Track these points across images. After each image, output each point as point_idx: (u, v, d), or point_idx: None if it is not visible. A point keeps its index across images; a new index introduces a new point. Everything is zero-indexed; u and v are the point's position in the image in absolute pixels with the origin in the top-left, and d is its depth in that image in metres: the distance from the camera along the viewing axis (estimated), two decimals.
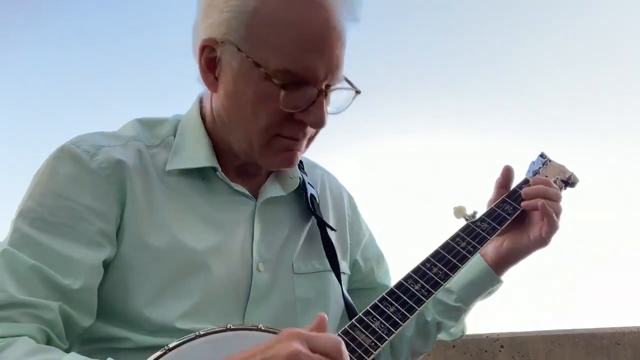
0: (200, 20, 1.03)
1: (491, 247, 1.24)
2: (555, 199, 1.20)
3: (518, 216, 1.22)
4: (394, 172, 2.86)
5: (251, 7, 0.97)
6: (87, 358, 0.85)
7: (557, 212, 1.19)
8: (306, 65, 0.97)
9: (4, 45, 2.81)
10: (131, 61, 2.91)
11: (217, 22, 0.99)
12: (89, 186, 0.98)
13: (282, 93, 0.97)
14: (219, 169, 1.07)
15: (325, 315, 0.84)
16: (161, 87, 2.89)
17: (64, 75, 2.84)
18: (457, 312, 1.25)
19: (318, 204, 1.20)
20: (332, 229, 1.20)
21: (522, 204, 1.22)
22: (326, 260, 1.16)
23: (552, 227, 1.18)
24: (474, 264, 1.22)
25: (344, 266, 1.22)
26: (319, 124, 1.02)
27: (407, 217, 2.73)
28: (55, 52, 2.86)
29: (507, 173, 1.29)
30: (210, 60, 1.02)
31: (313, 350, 0.76)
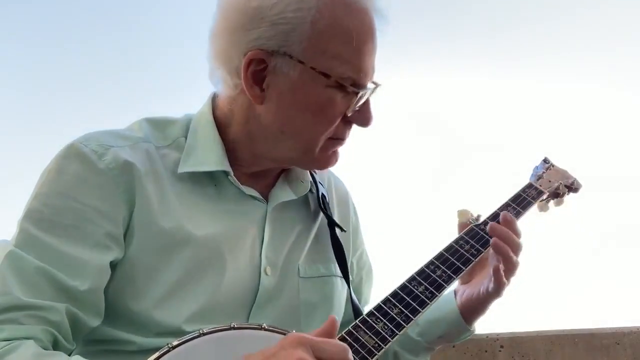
0: (236, 31, 1.01)
1: (459, 293, 1.22)
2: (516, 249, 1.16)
3: (480, 263, 1.18)
4: (394, 174, 2.85)
5: (309, 19, 0.97)
6: None
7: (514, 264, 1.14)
8: (364, 70, 1.02)
9: (5, 44, 2.80)
10: (135, 59, 2.90)
11: (270, 34, 0.98)
12: (97, 187, 0.98)
13: (354, 99, 1.01)
14: (231, 173, 1.07)
15: (336, 317, 0.84)
16: (162, 85, 2.89)
17: (69, 72, 2.83)
18: (416, 346, 1.24)
19: (328, 204, 1.20)
20: (342, 229, 1.20)
21: (492, 241, 1.14)
22: (331, 264, 1.17)
23: (499, 281, 1.13)
24: (446, 304, 1.21)
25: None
26: (370, 121, 1.07)
27: (411, 219, 2.72)
28: (58, 49, 2.85)
29: (460, 223, 1.24)
30: (257, 73, 1.01)
31: (319, 358, 0.75)
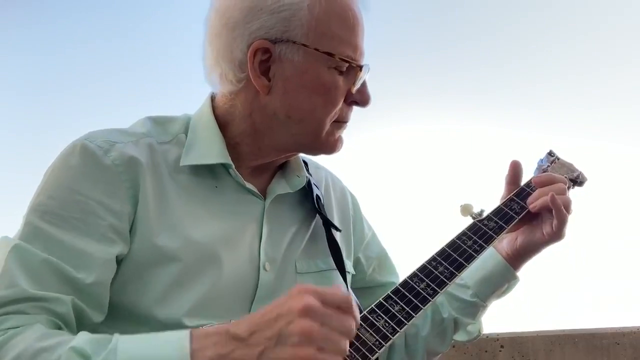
0: (237, 26, 1.03)
1: (506, 242, 1.24)
2: (561, 192, 1.19)
3: (530, 211, 1.20)
4: (399, 169, 2.85)
5: (306, 4, 1.02)
6: (98, 335, 0.83)
7: (566, 205, 1.18)
8: (360, 49, 1.07)
9: (5, 45, 2.79)
10: (135, 60, 2.89)
11: (271, 23, 1.02)
12: (102, 182, 0.98)
13: (357, 76, 1.06)
14: (233, 166, 1.07)
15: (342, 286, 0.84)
16: (163, 85, 2.88)
17: (72, 72, 2.83)
18: (474, 308, 1.24)
19: (323, 204, 1.20)
20: (337, 229, 1.20)
21: (530, 207, 1.20)
22: (330, 259, 1.16)
23: (561, 220, 1.17)
24: (490, 259, 1.22)
25: (349, 266, 1.23)
26: (369, 100, 1.11)
27: (413, 214, 2.72)
28: (60, 50, 2.84)
29: (515, 168, 1.29)
30: (262, 63, 1.03)
31: (324, 304, 0.77)
